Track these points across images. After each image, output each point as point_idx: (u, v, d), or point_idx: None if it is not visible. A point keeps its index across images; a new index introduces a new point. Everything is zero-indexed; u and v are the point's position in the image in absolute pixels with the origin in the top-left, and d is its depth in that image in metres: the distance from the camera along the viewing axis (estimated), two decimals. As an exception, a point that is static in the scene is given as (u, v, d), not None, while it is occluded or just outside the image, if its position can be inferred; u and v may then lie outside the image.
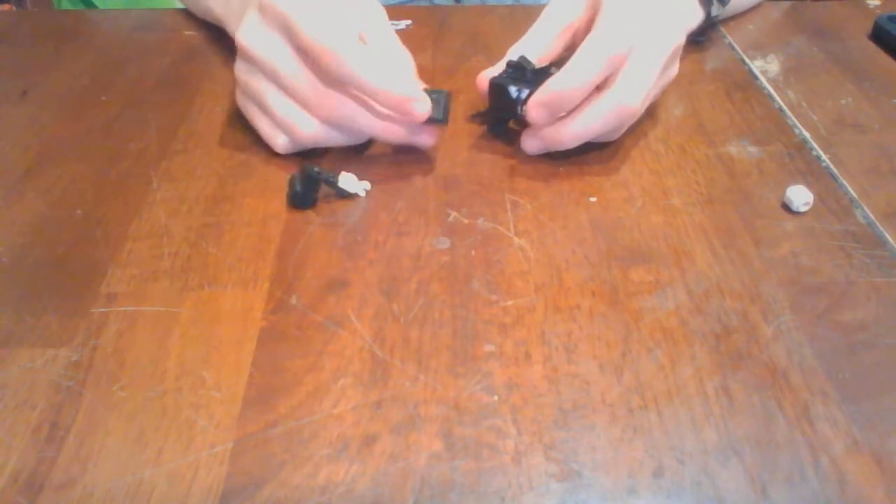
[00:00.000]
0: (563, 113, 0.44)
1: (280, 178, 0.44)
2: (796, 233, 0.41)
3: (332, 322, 0.36)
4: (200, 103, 0.52)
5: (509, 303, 0.37)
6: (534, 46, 0.48)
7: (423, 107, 0.42)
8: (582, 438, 0.31)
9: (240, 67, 0.45)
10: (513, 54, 0.47)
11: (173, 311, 0.36)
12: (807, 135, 0.49)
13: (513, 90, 0.45)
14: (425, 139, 0.45)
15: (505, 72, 0.46)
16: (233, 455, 0.30)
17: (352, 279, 0.38)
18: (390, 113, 0.43)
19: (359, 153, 0.47)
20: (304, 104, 0.43)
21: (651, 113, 0.49)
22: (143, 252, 0.39)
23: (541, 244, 0.40)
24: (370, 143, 0.47)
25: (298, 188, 0.42)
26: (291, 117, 0.43)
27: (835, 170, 0.46)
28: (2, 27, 0.64)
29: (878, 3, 0.68)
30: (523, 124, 0.46)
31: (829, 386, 0.33)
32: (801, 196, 0.42)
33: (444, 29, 0.63)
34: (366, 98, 0.42)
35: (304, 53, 0.42)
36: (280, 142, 0.45)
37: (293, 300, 0.37)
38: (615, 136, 0.47)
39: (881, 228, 0.41)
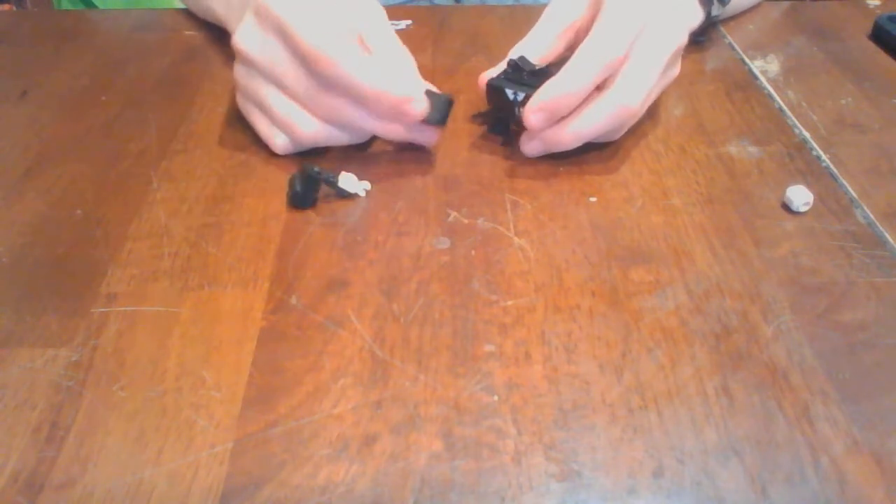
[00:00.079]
0: (561, 117, 0.44)
1: (280, 178, 0.44)
2: (796, 233, 0.41)
3: (332, 322, 0.36)
4: (200, 103, 0.52)
5: (509, 303, 0.37)
6: (535, 46, 0.48)
7: (419, 106, 0.42)
8: (582, 438, 0.31)
9: (239, 71, 0.45)
10: (514, 54, 0.47)
11: (173, 311, 0.36)
12: (807, 135, 0.49)
13: (509, 92, 0.45)
14: (427, 137, 0.45)
15: (504, 72, 0.46)
16: (233, 455, 0.30)
17: (352, 279, 0.38)
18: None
19: (359, 153, 0.47)
20: (304, 105, 0.43)
21: (651, 113, 0.49)
22: (143, 252, 0.40)
23: (541, 244, 0.40)
24: (370, 142, 0.47)
25: (298, 188, 0.42)
26: (292, 117, 0.43)
27: (835, 170, 0.46)
28: (2, 27, 0.64)
29: (878, 3, 0.68)
30: (522, 125, 0.46)
31: (829, 386, 0.33)
32: (801, 196, 0.42)
33: (444, 29, 0.63)
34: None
35: (300, 57, 0.42)
36: (279, 142, 0.45)
37: (293, 300, 0.37)
38: (615, 137, 0.47)
39: (881, 228, 0.41)
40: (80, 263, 0.39)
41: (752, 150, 0.48)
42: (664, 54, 0.45)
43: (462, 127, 0.50)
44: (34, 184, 0.45)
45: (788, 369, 0.34)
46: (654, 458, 0.30)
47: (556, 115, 0.43)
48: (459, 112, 0.51)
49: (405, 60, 0.45)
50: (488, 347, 0.34)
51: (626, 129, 0.46)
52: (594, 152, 0.47)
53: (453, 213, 0.42)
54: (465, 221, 0.42)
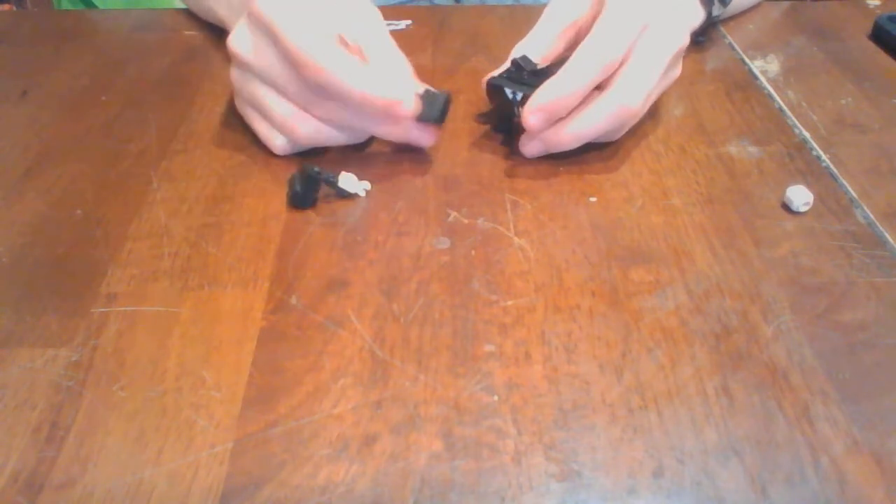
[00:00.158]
0: (560, 117, 0.43)
1: (280, 178, 0.44)
2: (796, 233, 0.41)
3: (332, 322, 0.36)
4: (200, 103, 0.52)
5: (509, 303, 0.37)
6: (536, 45, 0.47)
7: (408, 105, 0.42)
8: (582, 438, 0.31)
9: (235, 73, 0.45)
10: (515, 53, 0.47)
11: (173, 311, 0.36)
12: (807, 135, 0.49)
13: (508, 92, 0.45)
14: (425, 138, 0.45)
15: (506, 71, 0.46)
16: (233, 455, 0.30)
17: (352, 279, 0.38)
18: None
19: (359, 153, 0.47)
20: (301, 106, 0.43)
21: (651, 113, 0.49)
22: (143, 252, 0.40)
23: (541, 244, 0.40)
24: (370, 142, 0.47)
25: (298, 188, 0.42)
26: (289, 118, 0.43)
27: (835, 170, 0.46)
28: (2, 27, 0.64)
29: (878, 3, 0.68)
30: (520, 127, 0.46)
31: (829, 386, 0.33)
32: (801, 196, 0.42)
33: (444, 29, 0.63)
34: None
35: (290, 60, 0.42)
36: (278, 143, 0.45)
37: (293, 300, 0.37)
38: (616, 137, 0.47)
39: (881, 228, 0.41)
40: (80, 263, 0.39)
41: (752, 150, 0.48)
42: (666, 55, 0.45)
43: (462, 127, 0.50)
44: (34, 184, 0.45)
45: (788, 369, 0.34)
46: (654, 458, 0.30)
47: (554, 116, 0.43)
48: (459, 112, 0.51)
49: (398, 62, 0.44)
50: (488, 347, 0.34)
51: (626, 130, 0.46)
52: (594, 152, 0.47)
53: (453, 213, 0.42)
54: (465, 221, 0.42)
